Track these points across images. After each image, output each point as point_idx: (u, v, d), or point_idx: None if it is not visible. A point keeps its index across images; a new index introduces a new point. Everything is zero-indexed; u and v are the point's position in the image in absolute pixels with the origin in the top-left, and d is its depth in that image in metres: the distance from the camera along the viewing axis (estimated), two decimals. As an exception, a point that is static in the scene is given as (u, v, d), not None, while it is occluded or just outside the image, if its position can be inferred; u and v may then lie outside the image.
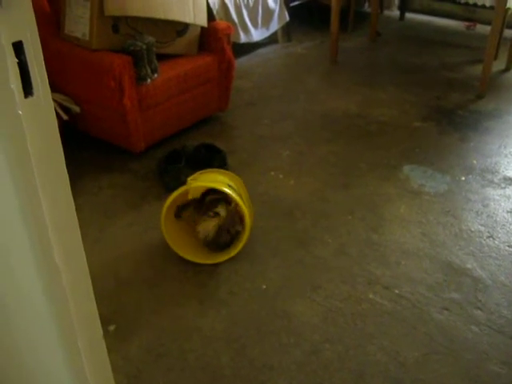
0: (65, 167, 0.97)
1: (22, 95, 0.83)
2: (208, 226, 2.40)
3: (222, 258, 2.42)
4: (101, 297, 2.20)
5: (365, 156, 3.23)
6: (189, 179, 2.38)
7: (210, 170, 2.61)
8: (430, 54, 4.90)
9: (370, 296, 2.22)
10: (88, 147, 3.33)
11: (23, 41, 0.81)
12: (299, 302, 2.20)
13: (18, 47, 0.81)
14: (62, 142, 2.82)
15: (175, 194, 2.32)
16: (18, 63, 0.82)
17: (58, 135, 0.92)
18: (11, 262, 0.99)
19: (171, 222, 2.46)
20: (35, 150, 0.88)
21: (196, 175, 2.46)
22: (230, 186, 2.38)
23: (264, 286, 2.28)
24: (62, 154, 0.95)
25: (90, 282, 1.11)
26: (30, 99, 0.85)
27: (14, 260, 0.98)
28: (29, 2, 0.82)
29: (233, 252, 2.40)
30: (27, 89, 0.84)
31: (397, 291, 2.24)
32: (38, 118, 0.87)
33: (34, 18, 0.83)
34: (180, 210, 2.51)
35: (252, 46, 4.95)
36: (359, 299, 2.21)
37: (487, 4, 4.59)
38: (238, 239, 2.44)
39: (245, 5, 4.56)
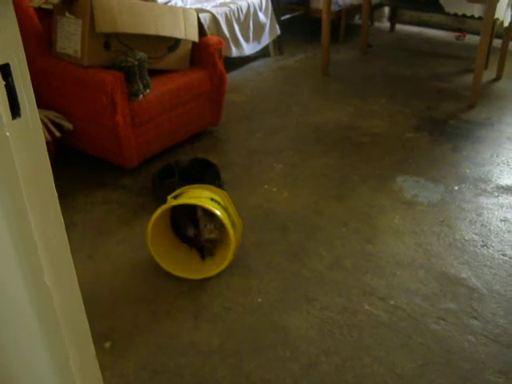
0: (53, 187, 0.96)
1: (9, 117, 0.83)
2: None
3: (211, 272, 2.41)
4: (96, 314, 2.22)
5: (358, 168, 3.24)
6: (169, 197, 2.38)
7: (196, 185, 2.59)
8: (420, 65, 4.93)
9: (366, 307, 2.22)
10: (81, 164, 3.32)
11: (10, 63, 0.82)
12: (295, 315, 2.20)
13: (5, 70, 0.81)
14: (55, 159, 2.85)
15: (157, 213, 2.33)
16: (5, 85, 0.82)
17: (47, 155, 0.92)
18: (0, 283, 0.98)
19: (159, 238, 2.45)
20: (23, 171, 0.88)
21: (181, 190, 2.46)
22: (213, 200, 2.37)
23: (259, 300, 2.27)
24: (51, 173, 0.95)
25: (81, 302, 1.11)
26: (17, 120, 0.84)
27: (3, 281, 0.98)
28: (15, 25, 0.82)
29: (222, 266, 2.39)
30: (15, 110, 0.84)
31: (392, 302, 2.24)
32: (25, 138, 0.87)
33: (20, 41, 0.83)
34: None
35: (244, 60, 4.97)
36: (355, 311, 2.21)
37: (476, 15, 4.62)
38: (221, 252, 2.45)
39: (236, 19, 4.59)
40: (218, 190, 2.53)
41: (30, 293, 0.99)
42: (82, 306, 1.11)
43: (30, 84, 0.86)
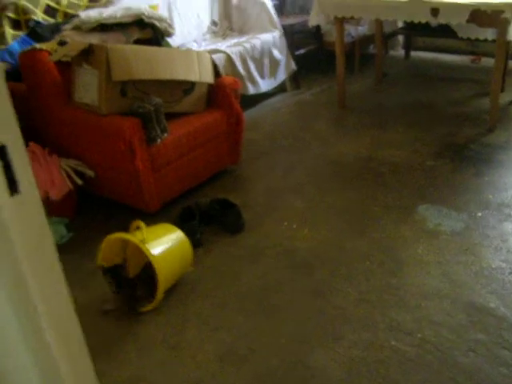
0: (57, 260, 0.97)
1: (7, 194, 0.85)
2: None
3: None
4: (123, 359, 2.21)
5: (378, 199, 3.23)
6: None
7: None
8: (437, 91, 4.93)
9: (392, 343, 2.19)
10: (103, 210, 3.36)
11: (6, 145, 0.84)
12: (321, 353, 2.17)
13: (1, 151, 0.84)
14: (77, 207, 2.88)
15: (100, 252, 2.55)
16: (2, 165, 0.84)
17: (47, 228, 0.93)
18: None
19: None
20: (24, 247, 0.89)
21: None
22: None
23: (283, 340, 2.25)
24: (53, 245, 0.95)
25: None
26: (16, 197, 0.86)
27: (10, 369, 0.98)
28: (8, 106, 0.84)
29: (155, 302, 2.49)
30: (13, 187, 0.86)
31: (419, 335, 2.21)
32: (25, 213, 0.89)
33: (14, 119, 0.85)
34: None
35: (261, 96, 5.01)
36: (381, 347, 2.18)
37: (489, 38, 4.62)
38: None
39: (251, 57, 4.65)
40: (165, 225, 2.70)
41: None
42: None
43: (28, 160, 0.89)
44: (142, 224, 2.52)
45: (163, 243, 2.54)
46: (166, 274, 2.44)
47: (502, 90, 4.32)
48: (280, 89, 5.22)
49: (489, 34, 4.62)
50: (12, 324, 0.93)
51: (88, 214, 3.34)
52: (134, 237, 2.43)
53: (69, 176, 3.12)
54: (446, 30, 4.79)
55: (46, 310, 0.94)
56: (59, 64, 3.19)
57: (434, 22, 3.93)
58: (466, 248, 2.72)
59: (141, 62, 3.06)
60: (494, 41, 4.38)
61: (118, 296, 2.58)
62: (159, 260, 2.39)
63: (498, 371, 2.02)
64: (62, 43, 3.24)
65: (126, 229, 3.11)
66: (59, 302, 0.97)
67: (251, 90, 4.69)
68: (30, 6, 3.69)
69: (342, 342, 2.22)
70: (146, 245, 2.39)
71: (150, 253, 2.37)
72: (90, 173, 3.19)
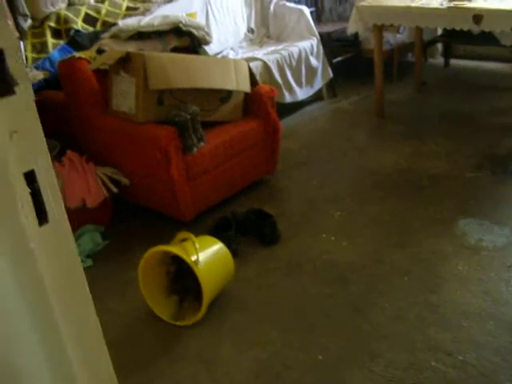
0: (87, 291, 0.94)
1: (36, 225, 0.82)
2: None
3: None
4: (156, 375, 2.19)
5: (418, 212, 3.15)
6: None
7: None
8: (478, 100, 4.81)
9: (433, 363, 2.12)
10: (138, 218, 3.36)
11: (35, 169, 0.81)
12: (358, 373, 2.11)
13: (30, 176, 0.80)
14: (113, 215, 2.88)
15: (142, 261, 2.51)
16: (30, 192, 0.81)
17: (77, 257, 0.90)
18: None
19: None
20: (52, 280, 0.86)
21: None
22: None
23: (320, 357, 2.20)
24: (83, 276, 0.92)
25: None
26: (45, 226, 0.83)
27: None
28: (39, 130, 0.81)
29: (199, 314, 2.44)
30: (42, 216, 0.83)
31: (460, 357, 2.13)
32: (54, 244, 0.86)
33: (44, 144, 0.82)
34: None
35: (298, 105, 4.97)
36: (421, 367, 2.11)
37: (534, 46, 4.51)
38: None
39: (288, 65, 4.61)
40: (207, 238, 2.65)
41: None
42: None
43: (57, 186, 0.85)
44: (192, 237, 2.50)
45: (209, 258, 2.50)
46: (212, 291, 2.42)
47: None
48: (317, 97, 5.17)
49: (533, 42, 4.49)
50: (42, 365, 0.90)
51: (123, 222, 3.33)
52: (187, 255, 2.38)
53: (104, 184, 3.12)
54: (487, 38, 4.67)
55: (77, 348, 0.90)
56: (97, 72, 3.20)
57: (476, 29, 3.83)
58: (510, 265, 2.63)
59: (178, 71, 3.04)
60: (538, 49, 4.27)
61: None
62: (206, 278, 2.36)
63: (544, 397, 1.94)
64: (100, 51, 3.25)
65: (159, 237, 3.10)
66: (90, 338, 0.93)
67: (288, 98, 4.65)
68: (70, 15, 3.72)
69: (378, 360, 2.16)
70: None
71: (201, 275, 2.34)
72: (125, 181, 3.19)
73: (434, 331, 2.27)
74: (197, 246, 2.43)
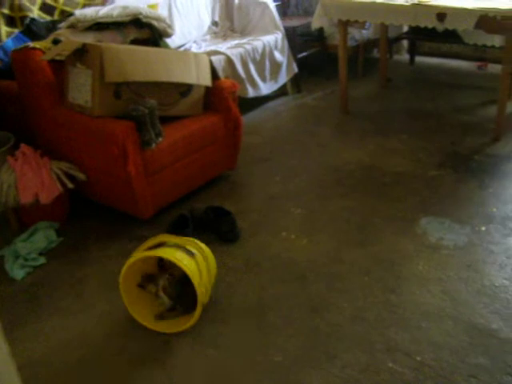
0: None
1: None
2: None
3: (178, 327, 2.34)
4: (109, 375, 2.12)
5: (380, 210, 3.12)
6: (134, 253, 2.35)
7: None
8: (442, 98, 4.82)
9: (390, 365, 2.08)
10: (95, 215, 3.27)
11: None
12: (315, 374, 2.07)
13: None
14: (69, 212, 2.79)
15: (124, 267, 2.28)
16: None
17: None
18: None
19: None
20: None
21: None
22: (178, 247, 2.33)
23: (277, 359, 2.15)
24: None
25: None
26: None
27: None
28: None
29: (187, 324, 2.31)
30: None
31: (418, 358, 2.10)
32: None
33: None
34: (145, 280, 2.43)
35: (262, 100, 4.91)
36: (378, 369, 2.07)
37: (497, 45, 4.51)
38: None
39: (251, 59, 4.55)
40: (194, 241, 2.46)
41: None
42: None
43: None
44: (197, 243, 2.41)
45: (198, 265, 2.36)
46: (204, 298, 2.31)
47: (509, 98, 4.20)
48: (281, 92, 5.13)
49: (496, 40, 4.51)
50: None
51: (79, 219, 3.24)
52: (192, 274, 2.22)
53: (59, 179, 3.02)
54: (451, 36, 4.70)
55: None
56: (53, 63, 3.09)
57: (440, 27, 3.82)
58: (469, 264, 2.62)
59: (136, 63, 2.96)
60: (501, 47, 4.27)
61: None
62: (200, 285, 2.26)
63: (501, 398, 1.92)
64: (56, 42, 3.14)
65: (117, 235, 3.03)
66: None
67: (251, 93, 4.59)
68: (26, 2, 3.59)
69: (335, 361, 2.12)
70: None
71: (200, 290, 2.23)
72: (81, 176, 3.09)
73: (393, 332, 2.24)
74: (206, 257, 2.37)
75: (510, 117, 4.23)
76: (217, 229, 2.89)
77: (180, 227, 2.87)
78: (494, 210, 3.04)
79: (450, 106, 4.63)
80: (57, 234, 3.06)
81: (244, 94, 4.46)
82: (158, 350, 2.25)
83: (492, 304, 2.35)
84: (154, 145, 2.95)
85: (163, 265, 2.47)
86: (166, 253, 2.28)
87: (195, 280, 2.19)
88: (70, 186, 3.06)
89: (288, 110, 4.85)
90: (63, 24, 3.38)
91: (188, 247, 2.35)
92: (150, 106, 2.93)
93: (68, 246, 3.00)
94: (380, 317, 2.33)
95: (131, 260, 2.28)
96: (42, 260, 2.87)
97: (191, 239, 2.45)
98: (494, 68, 5.35)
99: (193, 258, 2.29)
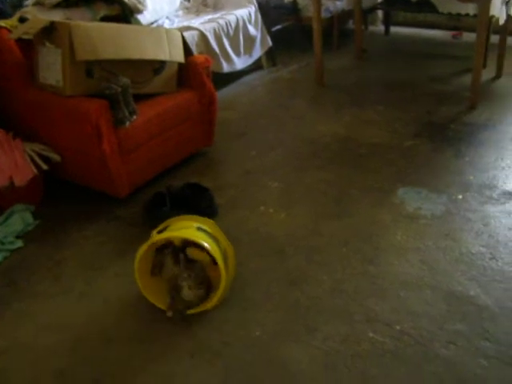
0: None
1: None
2: (190, 296, 2.25)
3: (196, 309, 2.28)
4: (89, 357, 2.11)
5: (357, 181, 3.12)
6: (154, 231, 2.27)
7: (182, 216, 2.45)
8: (417, 68, 4.82)
9: (370, 335, 2.10)
10: (71, 196, 3.23)
11: None
12: (295, 347, 2.08)
13: None
14: (44, 193, 2.74)
15: (142, 249, 2.20)
16: None
17: None
18: None
19: (147, 271, 2.35)
20: None
21: (167, 223, 2.36)
22: (200, 230, 2.26)
23: (257, 333, 2.16)
24: None
25: None
26: None
27: None
28: None
29: (207, 305, 2.26)
30: None
31: (398, 327, 2.12)
32: None
33: None
34: (156, 266, 2.37)
35: (237, 75, 4.87)
36: (359, 339, 2.08)
37: (471, 13, 4.50)
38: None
39: (225, 34, 4.49)
40: (205, 219, 2.40)
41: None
42: None
43: None
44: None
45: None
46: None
47: (484, 67, 4.21)
48: (256, 66, 5.08)
49: (470, 8, 4.50)
50: None
51: (56, 201, 3.20)
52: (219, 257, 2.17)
53: (33, 161, 2.98)
54: (426, 5, 4.67)
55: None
56: (22, 42, 3.02)
57: (413, -4, 3.80)
58: (446, 233, 2.64)
59: (106, 41, 2.90)
60: (475, 16, 4.26)
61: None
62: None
63: (479, 363, 1.94)
64: (22, 20, 3.07)
65: (94, 215, 3.00)
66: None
67: (226, 68, 4.55)
68: (-9, -20, 3.51)
69: (316, 334, 2.13)
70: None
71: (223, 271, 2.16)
72: (55, 157, 3.05)
73: (372, 302, 2.25)
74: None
75: (485, 85, 4.24)
76: (194, 205, 2.87)
77: (157, 205, 2.84)
78: (471, 178, 3.06)
79: (426, 75, 4.63)
80: (33, 216, 3.02)
81: (218, 70, 4.41)
82: (138, 329, 2.25)
83: (469, 271, 2.37)
84: (127, 123, 2.92)
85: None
86: (191, 235, 2.23)
87: (220, 262, 2.15)
88: (45, 167, 3.02)
89: (263, 84, 4.82)
90: (30, 1, 3.31)
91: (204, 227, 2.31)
92: (122, 84, 2.89)
93: (45, 229, 2.96)
94: (359, 288, 2.34)
95: (148, 243, 2.22)
96: (19, 243, 2.84)
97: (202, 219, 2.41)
98: (469, 37, 5.36)
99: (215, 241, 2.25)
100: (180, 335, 2.19)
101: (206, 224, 2.35)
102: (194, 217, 2.42)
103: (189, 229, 2.28)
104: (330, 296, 2.31)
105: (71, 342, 2.21)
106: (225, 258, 2.23)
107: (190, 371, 2.03)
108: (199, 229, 2.27)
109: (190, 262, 2.29)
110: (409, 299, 2.25)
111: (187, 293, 2.22)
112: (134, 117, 2.96)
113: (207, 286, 2.28)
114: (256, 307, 2.29)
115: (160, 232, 2.29)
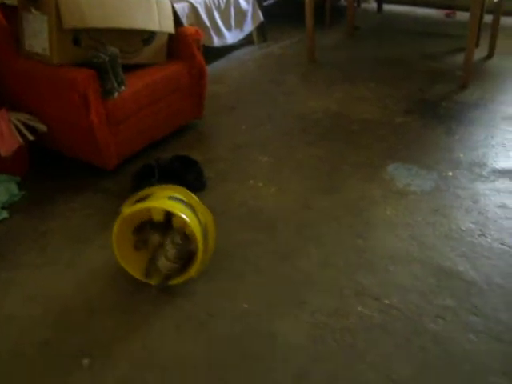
0: None
1: None
2: (166, 268, 2.21)
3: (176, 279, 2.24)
4: (73, 327, 2.09)
5: (347, 157, 3.10)
6: (123, 206, 2.19)
7: (155, 187, 2.36)
8: (410, 46, 4.78)
9: (359, 308, 2.09)
10: (58, 167, 3.18)
11: None
12: (283, 320, 2.06)
13: None
14: (30, 164, 2.68)
15: (115, 230, 2.16)
16: None
17: None
18: None
19: (127, 242, 2.30)
20: None
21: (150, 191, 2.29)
22: (173, 198, 2.20)
23: (245, 306, 2.14)
24: None
25: None
26: None
27: None
28: None
29: (186, 275, 2.21)
30: None
31: (387, 301, 2.11)
32: None
33: None
34: (138, 241, 2.32)
35: (227, 49, 4.82)
36: (347, 313, 2.07)
37: (465, -9, 4.47)
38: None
39: (216, 7, 4.43)
40: (181, 188, 2.32)
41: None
42: None
43: None
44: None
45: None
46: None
47: (477, 46, 4.19)
48: (247, 41, 5.03)
49: (464, -14, 4.46)
50: None
51: (42, 172, 3.15)
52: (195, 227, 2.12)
53: (19, 131, 2.92)
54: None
55: None
56: (5, 9, 2.95)
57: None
58: (436, 209, 2.62)
59: (95, 9, 2.83)
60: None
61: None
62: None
63: (467, 338, 1.94)
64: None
65: (82, 187, 2.96)
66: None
67: (216, 42, 4.49)
68: None
69: (305, 307, 2.11)
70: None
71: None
72: (42, 127, 2.99)
73: (362, 276, 2.24)
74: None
75: (477, 64, 4.21)
76: (183, 178, 2.83)
77: (146, 177, 2.81)
78: (461, 155, 3.04)
79: (418, 54, 4.60)
80: (19, 187, 2.97)
81: (209, 43, 4.36)
82: (123, 300, 2.22)
83: (459, 247, 2.37)
84: (116, 94, 2.87)
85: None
86: (170, 206, 2.17)
87: (198, 234, 2.10)
88: (31, 137, 2.97)
89: (254, 59, 4.77)
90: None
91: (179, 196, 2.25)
92: (111, 53, 2.84)
93: (31, 200, 2.92)
94: (349, 262, 2.32)
95: (126, 213, 2.15)
96: (5, 214, 2.80)
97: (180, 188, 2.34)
98: (463, 16, 5.32)
99: (193, 213, 2.20)
100: (165, 307, 2.17)
101: (181, 193, 2.29)
102: (167, 186, 2.36)
103: (160, 199, 2.24)
104: (319, 270, 2.29)
105: (56, 312, 2.19)
106: (204, 229, 2.19)
107: (175, 342, 2.01)
108: (171, 198, 2.22)
109: (185, 238, 2.24)
110: (398, 273, 2.24)
111: (163, 264, 2.20)
112: (123, 87, 2.91)
113: (188, 261, 2.24)
114: (244, 280, 2.27)
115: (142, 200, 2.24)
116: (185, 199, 2.23)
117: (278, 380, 1.84)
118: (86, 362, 1.97)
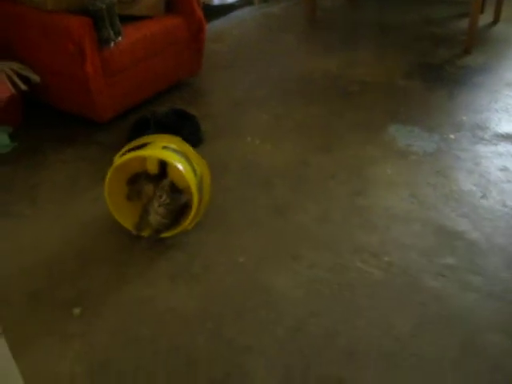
0: None
1: None
2: (156, 222, 2.15)
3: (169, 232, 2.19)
4: (64, 277, 2.03)
5: (346, 118, 3.03)
6: (117, 155, 2.15)
7: (156, 135, 2.32)
8: (413, 11, 4.69)
9: (358, 264, 2.04)
10: (51, 119, 3.10)
11: None
12: (280, 273, 2.02)
13: None
14: (23, 115, 2.60)
15: (107, 178, 2.11)
16: None
17: None
18: None
19: (121, 193, 2.25)
20: None
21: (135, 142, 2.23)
22: (167, 148, 2.14)
23: (241, 259, 2.09)
24: None
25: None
26: None
27: None
28: None
29: (179, 228, 2.16)
30: None
31: (386, 258, 2.06)
32: None
33: None
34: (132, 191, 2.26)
35: (227, 8, 4.72)
36: (346, 268, 2.03)
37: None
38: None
39: (216, -36, 4.32)
40: (177, 138, 2.28)
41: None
42: None
43: None
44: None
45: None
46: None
47: (482, 11, 4.10)
48: (247, 1, 4.92)
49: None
50: None
51: (34, 123, 3.08)
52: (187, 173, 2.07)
53: (11, 80, 2.83)
54: None
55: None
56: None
57: None
58: (438, 170, 2.57)
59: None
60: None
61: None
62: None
63: (467, 296, 1.90)
64: None
65: (74, 139, 2.89)
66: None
67: (216, 0, 4.39)
68: None
69: (301, 261, 2.07)
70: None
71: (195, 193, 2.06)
72: (35, 77, 2.90)
73: (361, 233, 2.19)
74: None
75: (482, 30, 4.13)
76: (180, 132, 2.76)
77: (141, 129, 2.73)
78: (464, 118, 2.99)
79: (422, 18, 4.51)
80: (10, 138, 2.89)
81: (209, 1, 4.26)
82: (115, 252, 2.17)
83: (460, 208, 2.32)
84: (112, 44, 2.79)
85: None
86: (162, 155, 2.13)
87: (193, 185, 2.05)
88: (24, 87, 2.87)
89: (253, 19, 4.66)
90: None
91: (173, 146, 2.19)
92: (107, 1, 2.74)
93: (22, 151, 2.84)
94: (347, 218, 2.28)
95: (119, 161, 2.11)
96: (-5, 164, 2.73)
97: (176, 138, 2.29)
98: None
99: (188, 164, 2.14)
100: (158, 259, 2.13)
101: (177, 144, 2.23)
102: (163, 135, 2.31)
103: (155, 149, 2.17)
104: (316, 225, 2.25)
105: (46, 263, 2.14)
106: (200, 181, 2.13)
107: (169, 293, 1.97)
108: (166, 147, 2.15)
109: (175, 192, 2.17)
110: (397, 232, 2.20)
111: (153, 218, 2.14)
112: (120, 38, 2.83)
113: (182, 213, 2.18)
114: (240, 234, 2.22)
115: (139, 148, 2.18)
116: (180, 150, 2.17)
117: (273, 333, 1.79)
118: (76, 311, 1.92)
